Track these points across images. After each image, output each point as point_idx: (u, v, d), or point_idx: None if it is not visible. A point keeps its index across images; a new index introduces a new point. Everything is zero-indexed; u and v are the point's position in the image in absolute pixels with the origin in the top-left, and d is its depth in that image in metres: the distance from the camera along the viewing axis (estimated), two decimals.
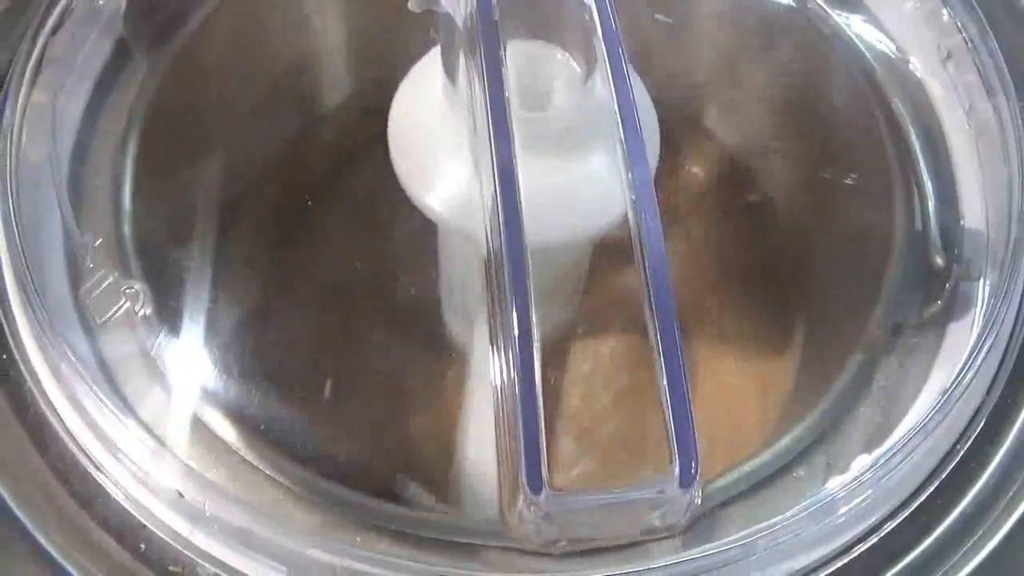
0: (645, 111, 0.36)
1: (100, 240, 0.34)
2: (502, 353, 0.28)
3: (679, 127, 0.45)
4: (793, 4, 0.45)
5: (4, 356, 0.33)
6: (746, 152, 0.49)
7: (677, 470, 0.27)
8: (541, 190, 0.33)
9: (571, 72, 0.35)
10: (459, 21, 0.32)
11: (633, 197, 0.29)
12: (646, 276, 0.28)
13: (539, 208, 0.31)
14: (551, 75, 0.35)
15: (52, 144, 0.36)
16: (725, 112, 0.50)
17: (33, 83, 0.37)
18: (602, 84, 0.33)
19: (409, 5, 0.33)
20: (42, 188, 0.36)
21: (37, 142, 0.36)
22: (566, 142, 0.35)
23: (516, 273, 0.28)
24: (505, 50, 0.31)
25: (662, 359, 0.27)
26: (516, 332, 0.28)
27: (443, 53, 0.34)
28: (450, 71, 0.35)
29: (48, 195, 0.36)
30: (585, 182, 0.36)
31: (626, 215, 0.33)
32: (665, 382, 0.27)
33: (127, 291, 0.33)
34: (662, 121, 0.37)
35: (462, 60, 0.33)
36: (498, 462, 0.28)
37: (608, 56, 0.31)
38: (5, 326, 0.34)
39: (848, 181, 0.44)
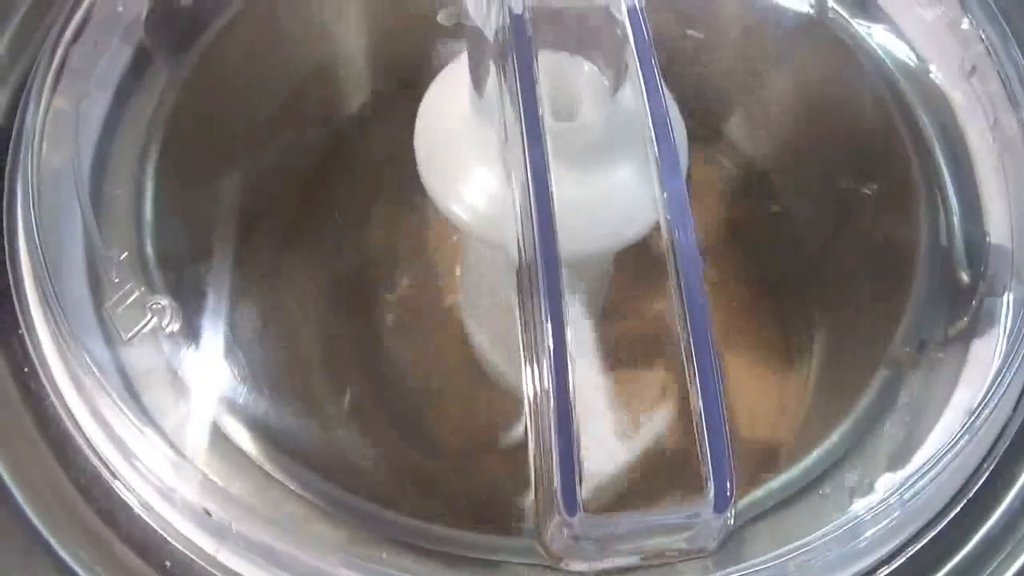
0: (675, 124, 0.36)
1: (125, 254, 0.34)
2: (535, 367, 0.28)
3: (700, 136, 0.45)
4: (813, 14, 0.45)
5: (26, 369, 0.33)
6: (768, 163, 0.49)
7: (712, 494, 0.27)
8: (568, 202, 0.33)
9: (599, 84, 0.35)
10: (489, 34, 0.32)
11: (668, 216, 0.29)
12: (680, 294, 0.28)
13: (566, 219, 0.31)
14: (579, 87, 0.35)
15: (76, 154, 0.35)
16: (746, 122, 0.50)
17: (54, 91, 0.36)
18: (633, 96, 0.33)
19: (439, 18, 0.33)
20: (61, 197, 0.36)
21: (58, 151, 0.36)
22: (593, 154, 0.35)
23: (550, 285, 0.28)
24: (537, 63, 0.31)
25: (698, 381, 0.27)
26: (551, 346, 0.27)
27: (471, 64, 0.34)
28: (477, 82, 0.34)
29: (67, 204, 0.36)
30: (611, 194, 0.36)
31: (652, 227, 0.33)
32: (701, 405, 0.26)
33: (153, 307, 0.33)
34: None
35: (491, 71, 0.33)
36: (533, 480, 0.28)
37: (642, 72, 0.31)
38: (27, 338, 0.33)
39: (871, 194, 0.44)
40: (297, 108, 0.45)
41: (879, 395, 0.37)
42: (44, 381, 0.33)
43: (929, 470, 0.32)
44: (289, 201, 0.41)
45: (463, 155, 0.36)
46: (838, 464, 0.35)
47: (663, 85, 0.31)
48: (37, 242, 0.33)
